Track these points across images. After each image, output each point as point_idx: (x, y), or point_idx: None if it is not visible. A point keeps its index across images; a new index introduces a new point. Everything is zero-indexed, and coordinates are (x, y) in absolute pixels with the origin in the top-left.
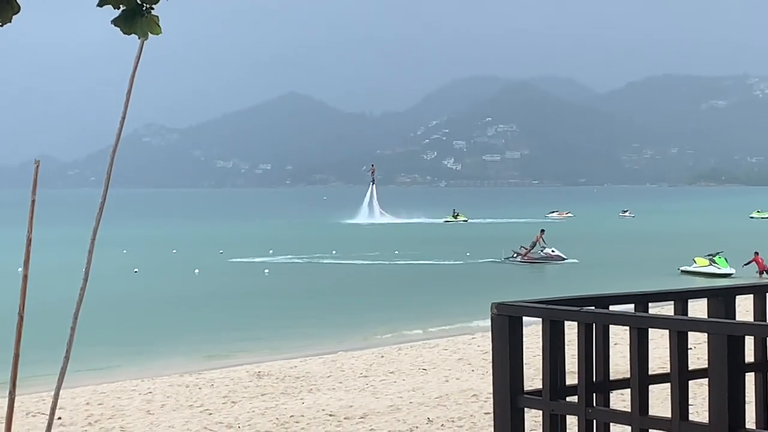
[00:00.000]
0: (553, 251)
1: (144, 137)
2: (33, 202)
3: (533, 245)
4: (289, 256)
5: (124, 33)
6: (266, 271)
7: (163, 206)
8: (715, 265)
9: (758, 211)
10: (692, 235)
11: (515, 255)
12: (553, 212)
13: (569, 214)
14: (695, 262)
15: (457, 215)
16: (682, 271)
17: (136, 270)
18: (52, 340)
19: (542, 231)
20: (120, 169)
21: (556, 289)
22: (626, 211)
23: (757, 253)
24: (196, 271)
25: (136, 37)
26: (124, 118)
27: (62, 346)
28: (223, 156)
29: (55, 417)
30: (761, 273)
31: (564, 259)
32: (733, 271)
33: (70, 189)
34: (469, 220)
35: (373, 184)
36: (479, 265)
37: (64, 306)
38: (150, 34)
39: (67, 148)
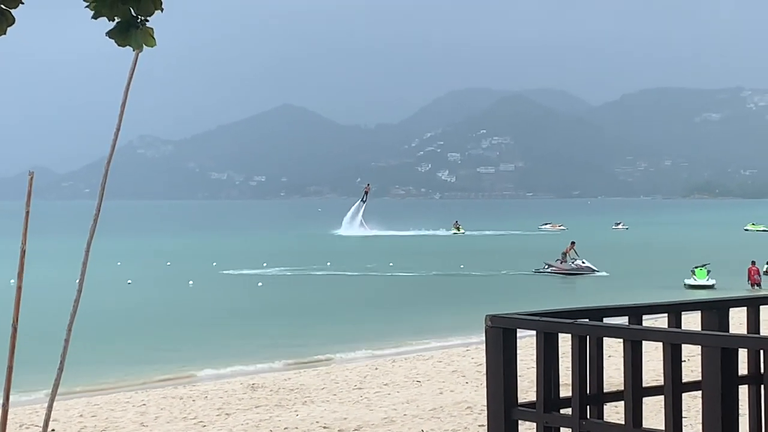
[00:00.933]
0: (583, 263)
1: (138, 149)
2: (27, 213)
3: (564, 256)
4: (283, 268)
5: (119, 45)
6: (260, 284)
7: (158, 218)
8: (693, 277)
9: (753, 224)
10: (686, 247)
11: (546, 267)
12: (546, 224)
13: (562, 227)
14: (694, 274)
15: (459, 227)
16: (686, 284)
17: (129, 282)
18: (46, 352)
19: (573, 243)
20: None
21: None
22: (619, 223)
23: (753, 262)
24: (190, 282)
25: (131, 49)
26: (118, 129)
27: (56, 358)
28: (217, 168)
29: (49, 429)
30: (753, 285)
31: (595, 271)
32: (711, 282)
33: (65, 201)
34: (466, 232)
35: (363, 202)
36: (508, 277)
37: (57, 318)
38: (145, 46)
39: (62, 160)
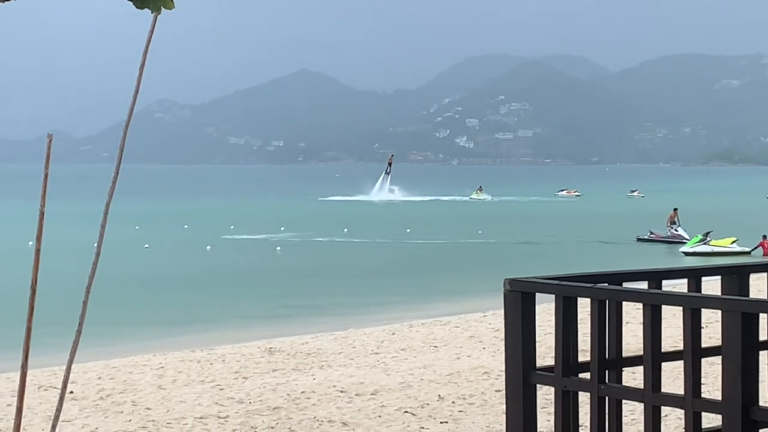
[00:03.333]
0: (676, 231)
1: (156, 113)
2: (46, 176)
3: (673, 223)
4: (301, 233)
5: (137, 7)
6: (278, 248)
7: (175, 182)
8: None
9: None
10: (706, 215)
11: (650, 234)
12: (563, 191)
13: (577, 193)
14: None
15: (481, 191)
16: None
17: (146, 246)
18: (65, 314)
19: (675, 210)
20: (132, 145)
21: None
22: (635, 190)
23: (765, 237)
24: (208, 247)
25: (149, 11)
26: (136, 93)
27: (74, 320)
28: (235, 132)
29: (67, 391)
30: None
31: (687, 240)
32: (695, 249)
33: (83, 164)
34: (487, 198)
35: (387, 174)
36: (526, 243)
37: (76, 280)
38: (163, 9)
39: (81, 124)
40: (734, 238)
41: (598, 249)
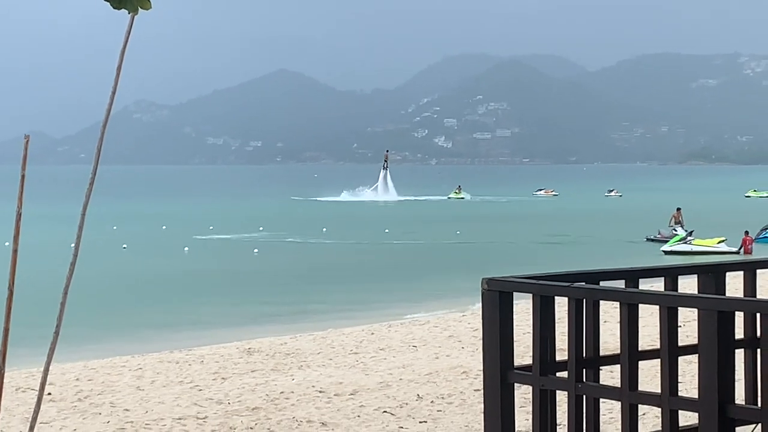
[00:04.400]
0: (675, 231)
1: (134, 114)
2: (23, 176)
3: (677, 223)
4: (280, 234)
5: (114, 8)
6: (255, 250)
7: (153, 183)
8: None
9: (754, 190)
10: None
11: (659, 234)
12: (540, 190)
13: (554, 193)
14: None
15: (460, 191)
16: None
17: (125, 246)
18: (42, 316)
19: (679, 209)
20: (110, 146)
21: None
22: (612, 190)
23: (747, 233)
24: (186, 248)
25: (127, 12)
26: (114, 93)
27: (52, 321)
28: (213, 133)
29: (45, 392)
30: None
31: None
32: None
33: (61, 165)
34: (466, 197)
35: (385, 170)
36: (504, 243)
37: (53, 282)
38: (140, 9)
39: (58, 125)
40: (722, 238)
41: (576, 248)
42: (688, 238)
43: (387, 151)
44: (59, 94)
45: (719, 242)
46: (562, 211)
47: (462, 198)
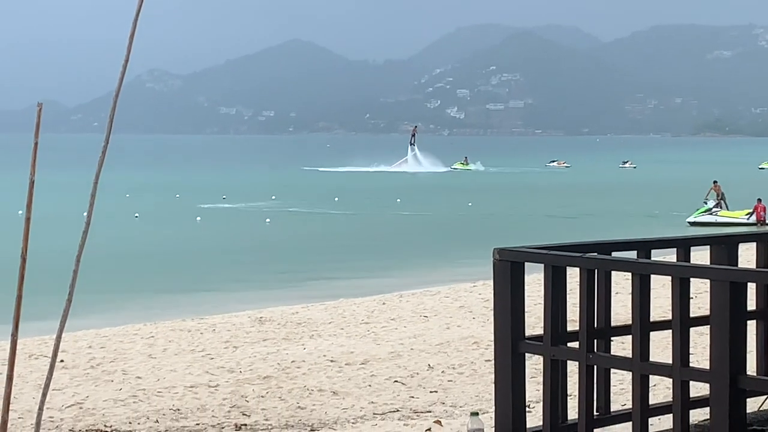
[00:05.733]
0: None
1: (147, 83)
2: (36, 144)
3: (720, 197)
4: (292, 203)
5: None
6: (268, 220)
7: (166, 152)
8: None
9: None
10: (700, 186)
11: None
12: (553, 162)
13: (566, 165)
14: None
15: (467, 161)
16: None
17: (137, 215)
18: (55, 283)
19: (715, 182)
20: (123, 115)
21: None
22: (627, 161)
23: (759, 200)
24: (198, 218)
25: None
26: (126, 62)
27: (65, 289)
28: (226, 102)
29: (58, 359)
30: (758, 223)
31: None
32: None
33: (74, 134)
34: (472, 168)
35: (413, 145)
36: (516, 214)
37: (66, 250)
38: None
39: (71, 93)
40: (749, 210)
41: (591, 221)
42: (714, 209)
43: (415, 126)
44: (73, 63)
45: (746, 214)
46: (576, 183)
47: (469, 169)
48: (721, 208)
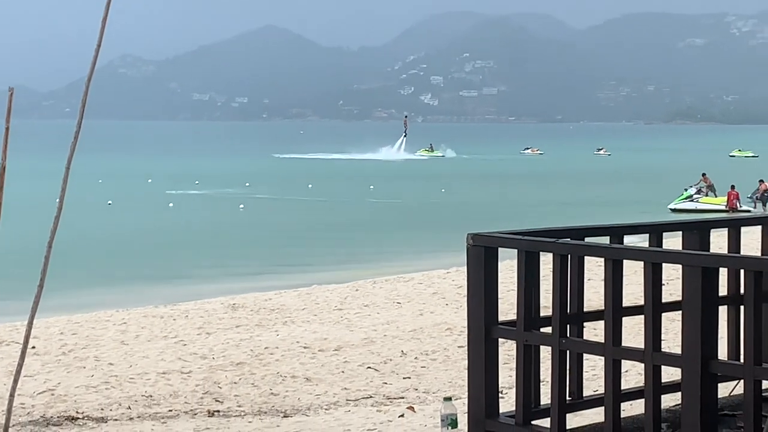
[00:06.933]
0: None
1: (120, 69)
2: (7, 129)
3: (709, 188)
4: (265, 191)
5: None
6: (241, 206)
7: (139, 138)
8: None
9: (739, 150)
10: (672, 173)
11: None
12: (527, 149)
13: (539, 152)
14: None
15: (432, 148)
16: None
17: (110, 202)
18: (26, 269)
19: (704, 174)
20: (95, 101)
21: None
22: (601, 149)
23: (733, 187)
24: (171, 204)
25: None
26: (98, 48)
27: (36, 275)
28: (199, 89)
29: (29, 346)
30: (730, 209)
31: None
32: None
33: (46, 120)
34: (445, 155)
35: (405, 135)
36: (489, 201)
37: (37, 236)
38: None
39: (43, 79)
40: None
41: (564, 208)
42: (695, 196)
43: (405, 116)
44: (45, 48)
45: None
46: (551, 170)
47: (436, 155)
48: (707, 196)
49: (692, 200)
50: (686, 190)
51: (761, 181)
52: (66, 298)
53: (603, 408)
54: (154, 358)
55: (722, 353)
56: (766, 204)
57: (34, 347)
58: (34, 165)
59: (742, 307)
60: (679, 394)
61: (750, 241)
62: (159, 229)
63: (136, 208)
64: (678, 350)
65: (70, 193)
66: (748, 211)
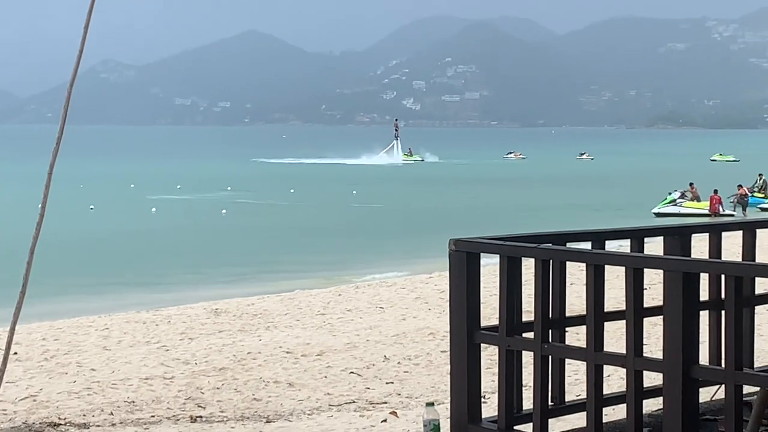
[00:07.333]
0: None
1: (101, 73)
2: None
3: (694, 198)
4: (247, 195)
5: None
6: (223, 210)
7: (121, 143)
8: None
9: (720, 154)
10: (654, 177)
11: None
12: (510, 153)
13: (522, 156)
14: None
15: (410, 153)
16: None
17: (92, 207)
18: (8, 275)
19: (691, 184)
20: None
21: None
22: (584, 153)
23: (716, 191)
24: (153, 209)
25: None
26: (81, 52)
27: (18, 280)
28: (181, 93)
29: (11, 352)
30: (713, 214)
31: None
32: (664, 210)
33: (28, 125)
34: (425, 160)
35: (397, 139)
36: (472, 205)
37: (19, 241)
38: None
39: (25, 84)
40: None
41: (548, 212)
42: (678, 200)
43: (396, 120)
44: (27, 53)
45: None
46: (534, 175)
47: (416, 160)
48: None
49: (676, 204)
50: (670, 194)
51: (740, 186)
52: (48, 304)
53: (585, 413)
54: (136, 363)
55: (703, 358)
56: (745, 208)
57: (16, 353)
58: (15, 170)
59: (723, 312)
60: (661, 398)
61: (731, 246)
62: (141, 233)
63: (118, 212)
64: (660, 355)
65: (51, 198)
66: (732, 215)
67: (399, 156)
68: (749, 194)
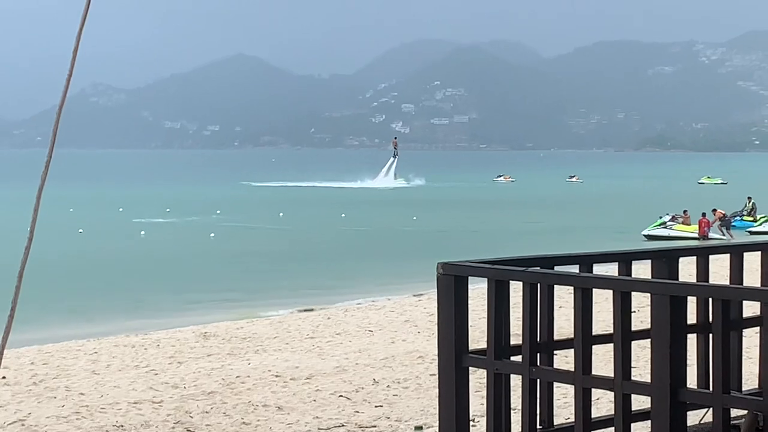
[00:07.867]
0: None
1: (91, 97)
2: None
3: (684, 223)
4: (236, 219)
5: None
6: (212, 234)
7: (110, 167)
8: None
9: (708, 177)
10: (644, 199)
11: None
12: (500, 176)
13: (511, 179)
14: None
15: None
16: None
17: (81, 230)
18: None
19: (685, 211)
20: (67, 129)
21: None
22: (573, 176)
23: (704, 214)
24: (142, 232)
25: None
26: (70, 75)
27: (6, 305)
28: (170, 117)
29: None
30: (701, 237)
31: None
32: (654, 233)
33: (16, 149)
34: (409, 185)
35: (395, 158)
36: (461, 229)
37: (8, 265)
38: None
39: (13, 108)
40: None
41: (539, 236)
42: (669, 222)
43: (395, 138)
44: (15, 76)
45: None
46: (524, 198)
47: (406, 185)
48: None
49: (666, 227)
50: (661, 217)
51: (714, 210)
52: (37, 328)
53: None
54: (125, 387)
55: (692, 381)
56: (729, 228)
57: (4, 377)
58: (3, 193)
59: (710, 335)
60: (649, 422)
61: (719, 269)
62: (130, 257)
63: (108, 236)
64: (648, 378)
65: (41, 221)
66: (721, 239)
67: (393, 176)
68: (732, 217)
